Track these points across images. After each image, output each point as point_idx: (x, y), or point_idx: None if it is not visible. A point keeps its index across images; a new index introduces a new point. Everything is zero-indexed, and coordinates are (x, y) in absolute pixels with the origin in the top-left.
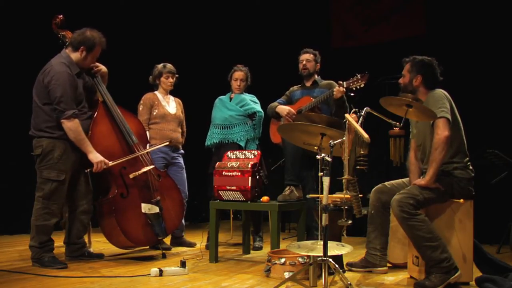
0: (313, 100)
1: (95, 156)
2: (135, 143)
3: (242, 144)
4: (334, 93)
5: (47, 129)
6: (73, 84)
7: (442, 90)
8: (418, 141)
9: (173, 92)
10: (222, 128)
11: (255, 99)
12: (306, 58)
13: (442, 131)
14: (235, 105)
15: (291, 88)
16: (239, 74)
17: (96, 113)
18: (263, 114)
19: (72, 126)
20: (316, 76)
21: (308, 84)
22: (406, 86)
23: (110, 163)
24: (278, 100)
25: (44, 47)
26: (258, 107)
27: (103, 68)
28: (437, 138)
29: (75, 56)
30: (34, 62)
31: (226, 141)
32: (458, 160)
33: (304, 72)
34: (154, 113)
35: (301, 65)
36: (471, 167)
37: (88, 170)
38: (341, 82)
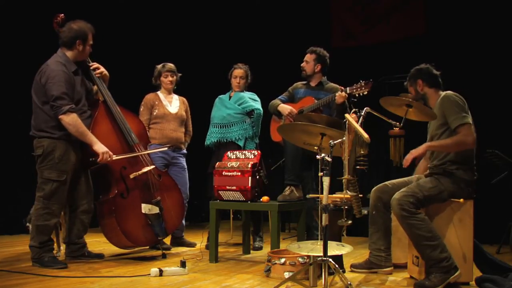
0: (316, 102)
1: (99, 147)
2: (136, 143)
3: (241, 143)
4: (336, 98)
5: (47, 129)
6: (70, 82)
7: (455, 93)
8: (431, 138)
9: (176, 92)
10: (220, 127)
11: (255, 96)
12: (306, 59)
13: (470, 135)
14: (234, 103)
15: (295, 85)
16: (238, 72)
17: (96, 112)
18: (261, 112)
19: (71, 120)
20: (322, 77)
21: (313, 84)
22: (416, 97)
23: (114, 157)
24: (280, 97)
25: (44, 47)
26: (257, 104)
27: (105, 71)
28: (464, 137)
29: (71, 53)
30: (35, 62)
31: (225, 140)
32: (464, 162)
33: (302, 73)
34: (155, 113)
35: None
36: (475, 172)
37: (93, 159)
38: (343, 88)
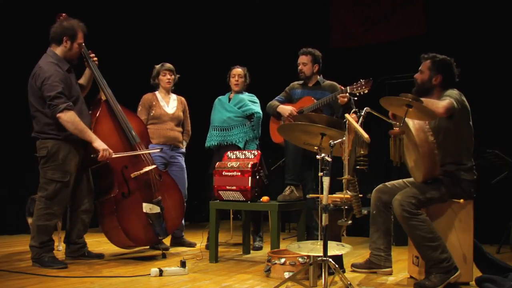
0: (316, 102)
1: (99, 144)
2: (137, 142)
3: (241, 145)
4: (339, 100)
5: (51, 131)
6: (66, 81)
7: (460, 92)
8: (437, 140)
9: (175, 92)
10: (221, 130)
11: (255, 98)
12: (302, 61)
13: (446, 106)
14: (234, 106)
15: (291, 85)
16: (236, 71)
17: (98, 112)
18: (261, 115)
19: (68, 118)
20: (318, 76)
21: (310, 83)
22: (424, 83)
23: (114, 155)
24: (277, 98)
25: (44, 46)
26: (256, 107)
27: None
28: (442, 102)
29: (60, 50)
30: (34, 62)
31: (225, 143)
32: (464, 163)
33: (301, 75)
34: (152, 114)
35: (298, 69)
36: (475, 171)
37: (94, 155)
38: (343, 88)
